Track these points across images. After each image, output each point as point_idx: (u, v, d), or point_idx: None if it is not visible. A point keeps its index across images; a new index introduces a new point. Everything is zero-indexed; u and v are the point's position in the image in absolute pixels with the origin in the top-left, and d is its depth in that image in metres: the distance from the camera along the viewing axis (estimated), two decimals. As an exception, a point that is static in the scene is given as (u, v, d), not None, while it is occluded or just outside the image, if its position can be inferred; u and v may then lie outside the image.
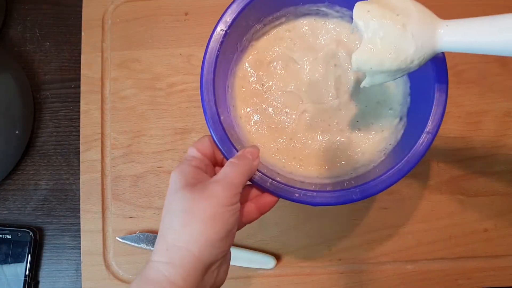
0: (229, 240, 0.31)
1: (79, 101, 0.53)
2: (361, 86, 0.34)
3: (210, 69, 0.37)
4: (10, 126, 0.51)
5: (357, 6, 0.31)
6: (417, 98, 0.40)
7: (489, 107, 0.52)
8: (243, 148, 0.36)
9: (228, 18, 0.38)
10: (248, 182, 0.36)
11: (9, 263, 0.49)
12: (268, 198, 0.36)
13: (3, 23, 0.56)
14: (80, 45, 0.55)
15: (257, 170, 0.36)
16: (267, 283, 0.49)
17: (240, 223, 0.35)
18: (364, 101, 0.43)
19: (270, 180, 0.36)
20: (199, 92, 0.52)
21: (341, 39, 0.43)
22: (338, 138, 0.42)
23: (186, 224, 0.29)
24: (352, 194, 0.36)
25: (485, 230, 0.49)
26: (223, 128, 0.37)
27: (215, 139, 0.37)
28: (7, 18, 0.56)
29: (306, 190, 0.36)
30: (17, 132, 0.51)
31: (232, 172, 0.32)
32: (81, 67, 0.54)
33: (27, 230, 0.49)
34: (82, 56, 0.54)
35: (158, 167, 0.51)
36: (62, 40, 0.56)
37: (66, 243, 0.51)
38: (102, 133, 0.52)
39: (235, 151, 0.36)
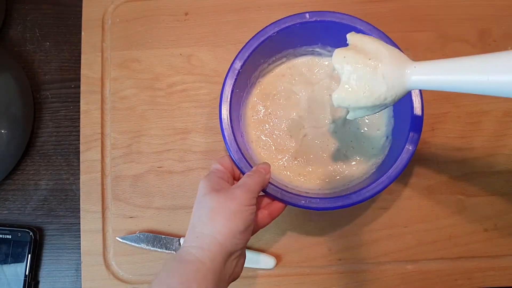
0: (247, 235, 0.37)
1: (79, 101, 0.53)
2: (347, 118, 0.39)
3: (227, 101, 0.44)
4: (10, 126, 0.51)
5: (335, 53, 0.35)
6: (399, 119, 0.46)
7: (489, 107, 0.52)
8: (257, 165, 0.42)
9: (240, 59, 0.45)
10: (261, 193, 0.42)
11: (9, 263, 0.49)
12: (278, 205, 0.42)
13: (3, 23, 0.56)
14: (80, 45, 0.55)
15: (269, 183, 0.42)
16: (267, 283, 0.49)
17: (255, 227, 0.40)
18: (356, 124, 0.49)
19: (280, 190, 0.42)
20: (199, 92, 0.53)
21: (333, 74, 0.50)
22: (336, 156, 0.48)
23: (213, 218, 0.36)
24: (349, 199, 0.42)
25: (485, 230, 0.49)
26: (240, 150, 0.43)
27: (234, 159, 0.43)
28: (7, 18, 0.56)
29: (310, 197, 0.42)
30: (17, 132, 0.51)
31: (249, 181, 0.38)
32: (81, 67, 0.54)
33: (27, 230, 0.49)
34: (82, 56, 0.54)
35: (158, 167, 0.51)
36: (62, 40, 0.56)
37: (66, 243, 0.51)
38: (102, 133, 0.52)
39: (250, 167, 0.43)
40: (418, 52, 0.53)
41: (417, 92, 0.43)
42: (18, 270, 0.49)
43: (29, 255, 0.49)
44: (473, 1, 0.54)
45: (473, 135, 0.51)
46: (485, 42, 0.54)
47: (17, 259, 0.49)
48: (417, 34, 0.53)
